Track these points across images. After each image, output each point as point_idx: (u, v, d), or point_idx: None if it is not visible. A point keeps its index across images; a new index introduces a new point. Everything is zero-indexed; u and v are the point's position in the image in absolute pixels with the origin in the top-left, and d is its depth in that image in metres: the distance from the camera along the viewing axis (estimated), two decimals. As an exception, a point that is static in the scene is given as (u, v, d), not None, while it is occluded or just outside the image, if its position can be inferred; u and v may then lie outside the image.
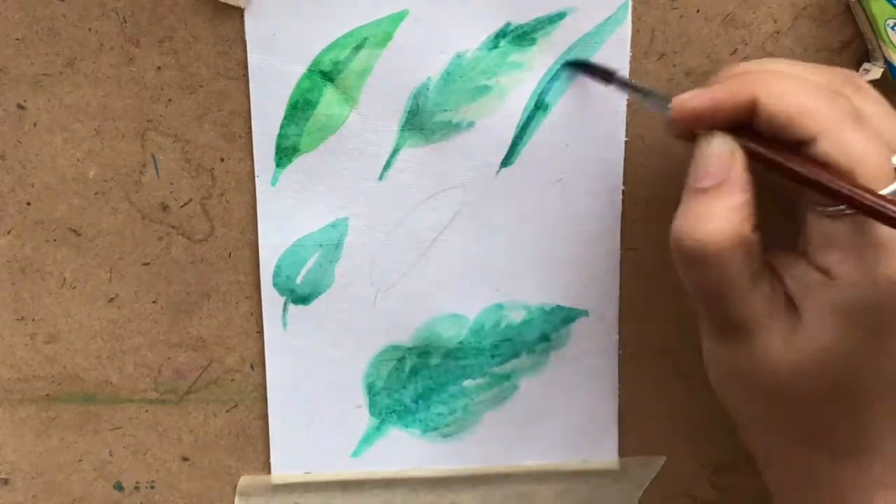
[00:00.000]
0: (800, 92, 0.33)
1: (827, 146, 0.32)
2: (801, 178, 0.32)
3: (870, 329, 0.33)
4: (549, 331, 0.42)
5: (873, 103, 0.34)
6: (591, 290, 0.42)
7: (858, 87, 0.35)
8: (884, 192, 0.31)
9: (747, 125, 0.34)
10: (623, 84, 0.38)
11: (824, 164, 0.32)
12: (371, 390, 0.43)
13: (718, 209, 0.33)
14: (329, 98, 0.39)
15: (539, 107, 0.40)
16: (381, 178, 0.40)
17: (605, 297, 0.42)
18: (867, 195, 0.31)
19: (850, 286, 0.32)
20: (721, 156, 0.33)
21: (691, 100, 0.34)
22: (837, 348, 0.33)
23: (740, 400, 0.36)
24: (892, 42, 0.39)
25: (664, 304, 0.43)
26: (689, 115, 0.34)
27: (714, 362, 0.36)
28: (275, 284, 0.41)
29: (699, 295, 0.35)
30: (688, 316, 0.43)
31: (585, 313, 0.43)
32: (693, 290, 0.35)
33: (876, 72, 0.40)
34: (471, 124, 0.40)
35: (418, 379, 0.43)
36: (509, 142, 0.40)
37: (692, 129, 0.34)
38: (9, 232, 0.40)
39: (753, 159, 0.34)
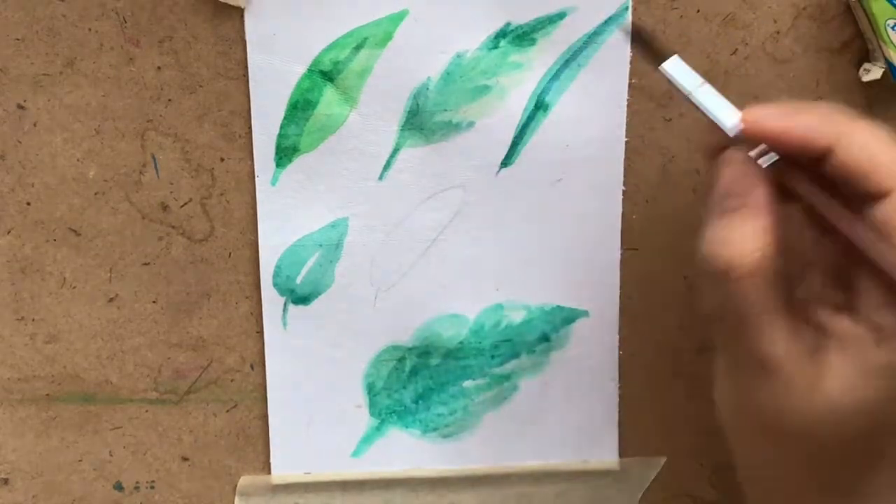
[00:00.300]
0: (884, 146, 0.32)
1: None
2: (858, 249, 0.32)
3: None
4: (549, 331, 0.42)
5: None
6: (591, 290, 0.42)
7: None
8: None
9: (807, 163, 0.33)
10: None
11: (884, 230, 0.31)
12: (371, 390, 0.43)
13: (742, 232, 0.32)
14: (329, 98, 0.39)
15: (539, 107, 0.40)
16: (381, 178, 0.40)
17: (605, 297, 0.42)
18: None
19: None
20: (746, 176, 0.33)
21: (768, 119, 0.33)
22: (873, 405, 0.32)
23: (751, 439, 0.35)
24: (892, 42, 0.39)
25: (664, 304, 0.43)
26: (759, 132, 0.33)
27: (728, 399, 0.36)
28: (275, 284, 0.41)
29: (720, 323, 0.34)
30: (688, 316, 0.43)
31: (585, 313, 0.42)
32: (715, 318, 0.34)
33: (876, 72, 0.40)
34: (471, 124, 0.40)
35: (418, 379, 0.43)
36: (509, 142, 0.40)
37: (753, 143, 0.33)
38: (9, 232, 0.40)
39: (807, 213, 0.33)
